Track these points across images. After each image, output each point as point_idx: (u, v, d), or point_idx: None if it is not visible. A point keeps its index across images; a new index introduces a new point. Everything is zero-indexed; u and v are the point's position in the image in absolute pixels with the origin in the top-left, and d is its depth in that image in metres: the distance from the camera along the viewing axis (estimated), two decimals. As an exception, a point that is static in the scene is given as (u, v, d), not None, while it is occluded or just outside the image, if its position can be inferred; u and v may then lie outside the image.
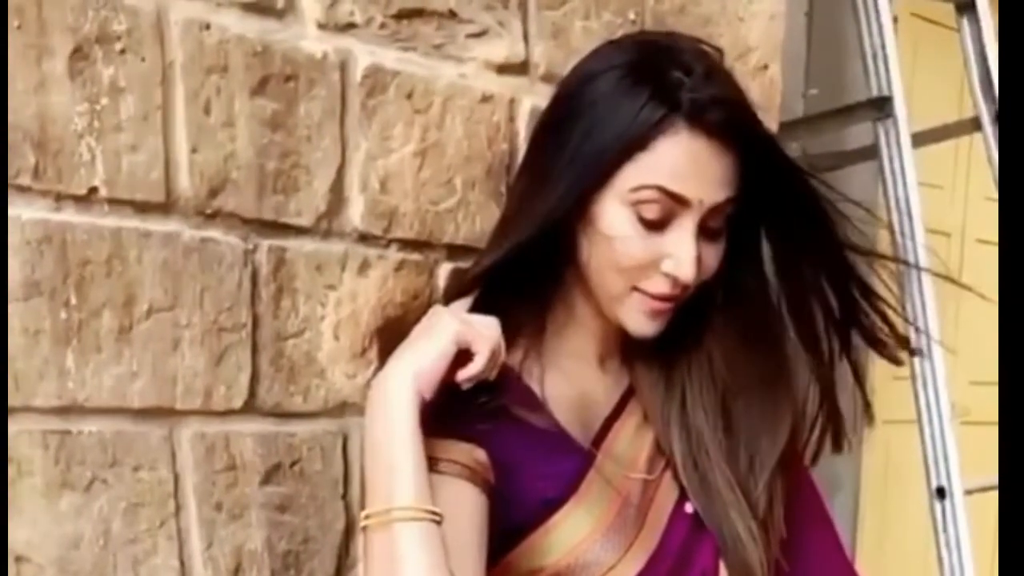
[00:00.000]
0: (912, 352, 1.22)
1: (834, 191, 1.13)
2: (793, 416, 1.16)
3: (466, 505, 1.04)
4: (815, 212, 1.12)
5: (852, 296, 1.16)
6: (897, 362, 1.23)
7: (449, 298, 1.13)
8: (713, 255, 1.09)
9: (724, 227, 1.09)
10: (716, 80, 1.06)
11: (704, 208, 1.04)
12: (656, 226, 1.05)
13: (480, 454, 1.06)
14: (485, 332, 1.04)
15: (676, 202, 1.04)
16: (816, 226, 1.12)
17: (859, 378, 1.20)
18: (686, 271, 1.05)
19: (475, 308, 1.10)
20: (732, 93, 1.07)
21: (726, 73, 1.09)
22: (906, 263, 1.19)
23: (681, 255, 1.05)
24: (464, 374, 1.03)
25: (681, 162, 1.03)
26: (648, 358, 1.17)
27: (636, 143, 1.03)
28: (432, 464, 1.03)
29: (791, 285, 1.15)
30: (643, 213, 1.04)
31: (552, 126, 1.10)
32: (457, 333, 1.02)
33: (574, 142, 1.05)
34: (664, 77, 1.04)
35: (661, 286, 1.06)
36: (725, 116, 1.04)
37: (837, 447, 1.20)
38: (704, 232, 1.06)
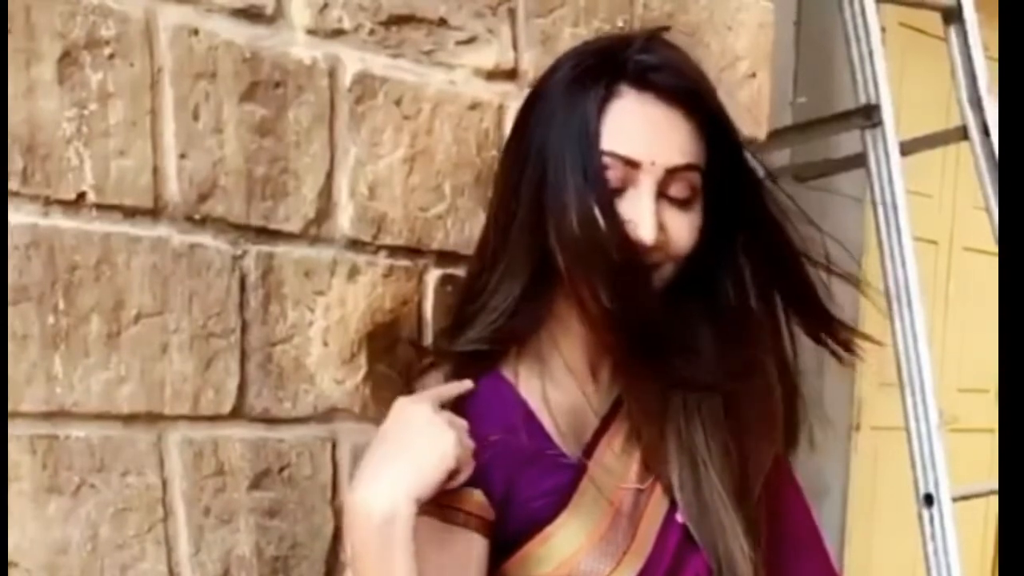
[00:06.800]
0: (850, 351, 1.17)
1: (783, 191, 1.12)
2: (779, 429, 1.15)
3: (473, 556, 1.05)
4: (758, 201, 1.11)
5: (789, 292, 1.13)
6: (841, 357, 1.18)
7: (469, 320, 1.11)
8: (682, 225, 1.06)
9: (694, 199, 1.07)
10: (660, 46, 1.06)
11: (659, 171, 1.03)
12: (616, 194, 1.03)
13: (479, 496, 1.06)
14: (468, 444, 1.03)
15: (629, 166, 1.03)
16: (759, 220, 1.11)
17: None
18: (645, 232, 1.03)
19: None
20: (681, 60, 1.07)
21: (675, 45, 1.08)
22: (835, 273, 1.14)
23: (637, 217, 1.03)
24: (447, 488, 1.01)
25: (628, 124, 1.03)
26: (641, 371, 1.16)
27: (595, 121, 1.02)
28: (433, 510, 1.02)
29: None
30: None
31: (516, 132, 1.11)
32: (458, 460, 1.00)
33: (539, 144, 1.04)
34: (609, 52, 1.05)
35: None
36: (674, 79, 1.04)
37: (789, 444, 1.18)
38: (668, 200, 1.05)
